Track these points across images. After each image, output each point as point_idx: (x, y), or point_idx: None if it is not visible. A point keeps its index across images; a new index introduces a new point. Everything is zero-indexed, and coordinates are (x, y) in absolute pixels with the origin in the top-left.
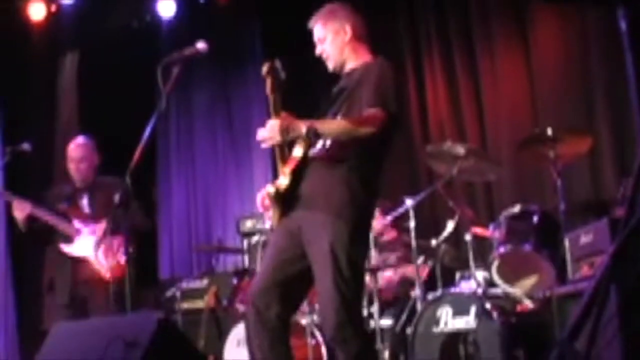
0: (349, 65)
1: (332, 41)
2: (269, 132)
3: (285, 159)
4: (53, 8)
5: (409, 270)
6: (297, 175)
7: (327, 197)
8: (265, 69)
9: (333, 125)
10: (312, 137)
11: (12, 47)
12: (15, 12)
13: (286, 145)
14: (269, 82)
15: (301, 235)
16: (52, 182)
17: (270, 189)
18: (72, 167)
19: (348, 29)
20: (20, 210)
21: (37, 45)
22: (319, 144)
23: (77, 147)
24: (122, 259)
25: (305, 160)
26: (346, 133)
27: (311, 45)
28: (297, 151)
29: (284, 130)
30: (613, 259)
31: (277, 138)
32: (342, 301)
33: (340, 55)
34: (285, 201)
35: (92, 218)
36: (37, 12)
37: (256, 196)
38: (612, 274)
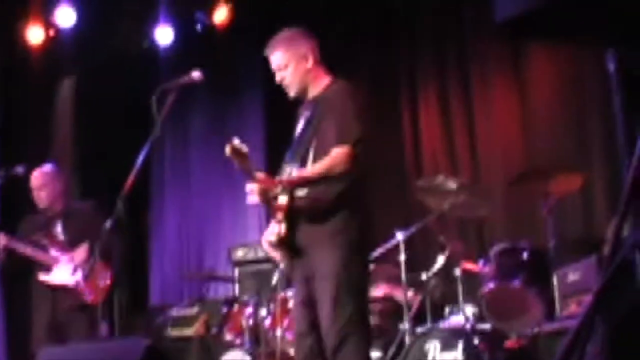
0: (312, 92)
1: (295, 70)
2: (250, 195)
3: (274, 209)
4: (51, 32)
5: (397, 293)
6: (290, 218)
7: (323, 228)
8: (228, 151)
9: (308, 174)
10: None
11: (9, 70)
12: (14, 35)
13: (272, 198)
14: (236, 160)
15: (314, 272)
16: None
17: (271, 237)
18: (34, 195)
19: (309, 56)
20: None
21: (35, 69)
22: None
23: (37, 176)
24: (103, 283)
25: (292, 203)
26: (321, 178)
27: None
28: (282, 199)
29: (262, 193)
30: (597, 297)
31: (258, 199)
32: (343, 322)
33: (303, 83)
34: (288, 245)
35: (68, 245)
36: (35, 36)
37: (249, 225)
38: (597, 313)
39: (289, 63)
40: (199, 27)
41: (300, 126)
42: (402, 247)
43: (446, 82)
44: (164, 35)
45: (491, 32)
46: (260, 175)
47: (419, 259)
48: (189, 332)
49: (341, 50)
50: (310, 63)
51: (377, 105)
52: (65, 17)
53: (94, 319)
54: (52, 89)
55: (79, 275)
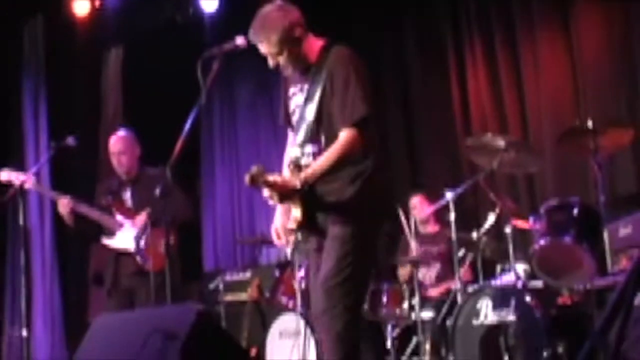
0: (307, 62)
1: (290, 52)
2: (270, 200)
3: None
4: (97, 3)
5: (451, 284)
6: (306, 202)
7: (339, 202)
8: (248, 181)
9: (321, 168)
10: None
11: (57, 42)
12: (61, 7)
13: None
14: (258, 184)
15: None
16: (96, 176)
17: (290, 224)
18: (114, 160)
19: (297, 31)
20: (63, 206)
21: (82, 41)
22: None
23: (117, 141)
24: (162, 250)
25: (305, 190)
26: (335, 167)
27: (357, 39)
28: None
29: (282, 199)
30: None
31: (278, 202)
32: (336, 283)
33: (299, 58)
34: (306, 227)
35: (134, 211)
36: (81, 7)
37: None
38: None
39: (283, 48)
40: None
41: (299, 98)
42: (451, 206)
43: (493, 39)
44: (208, 2)
45: None
46: (277, 180)
47: (469, 218)
48: (242, 296)
49: (385, 13)
50: (301, 39)
51: (424, 66)
52: None
53: (160, 285)
54: (100, 59)
55: (140, 241)
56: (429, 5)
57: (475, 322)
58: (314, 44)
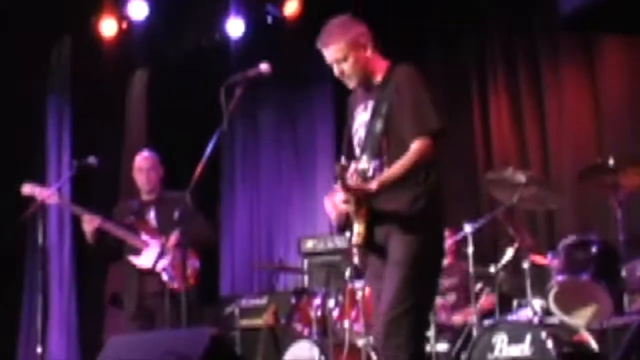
0: (372, 79)
1: (355, 61)
2: (344, 204)
3: (356, 210)
4: (124, 25)
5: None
6: (370, 218)
7: (401, 223)
8: (339, 171)
9: (396, 174)
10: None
11: (83, 62)
12: (88, 28)
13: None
14: (340, 175)
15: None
16: (117, 197)
17: (354, 240)
18: (142, 176)
19: (367, 43)
20: (89, 223)
21: (108, 62)
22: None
23: (146, 157)
24: (188, 272)
25: (372, 203)
26: (406, 175)
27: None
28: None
29: (358, 204)
30: None
31: (353, 209)
32: (397, 314)
33: (364, 72)
34: (369, 244)
35: (159, 231)
36: (108, 28)
37: (319, 216)
38: None
39: (348, 55)
40: (269, 19)
41: (364, 116)
42: (470, 239)
43: (516, 74)
44: (235, 27)
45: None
46: (352, 184)
47: (487, 252)
48: (258, 322)
49: (410, 44)
50: (369, 52)
51: (448, 99)
52: (138, 10)
53: (180, 306)
54: (125, 81)
55: (165, 261)
56: (453, 38)
57: (490, 356)
58: (380, 63)
